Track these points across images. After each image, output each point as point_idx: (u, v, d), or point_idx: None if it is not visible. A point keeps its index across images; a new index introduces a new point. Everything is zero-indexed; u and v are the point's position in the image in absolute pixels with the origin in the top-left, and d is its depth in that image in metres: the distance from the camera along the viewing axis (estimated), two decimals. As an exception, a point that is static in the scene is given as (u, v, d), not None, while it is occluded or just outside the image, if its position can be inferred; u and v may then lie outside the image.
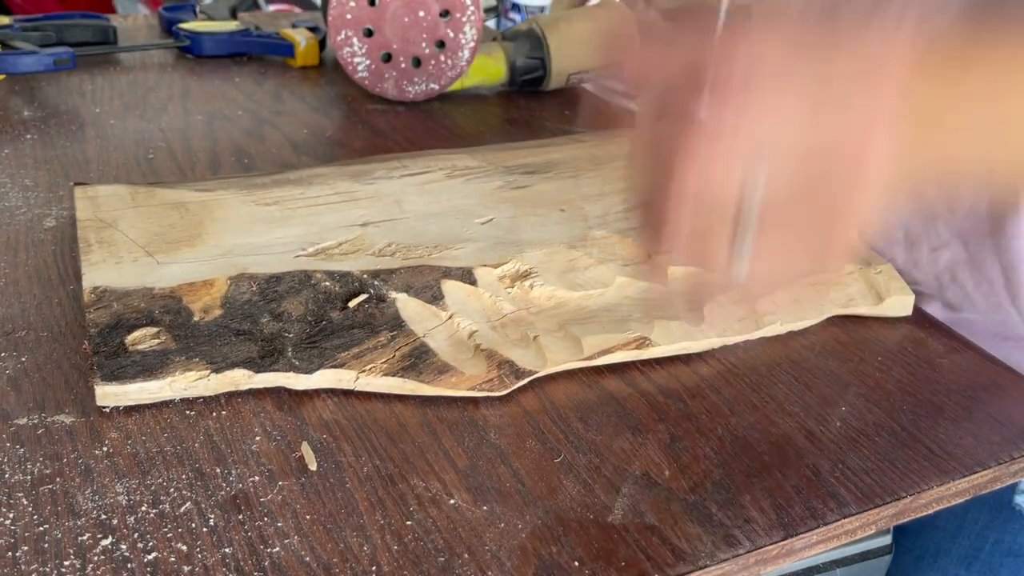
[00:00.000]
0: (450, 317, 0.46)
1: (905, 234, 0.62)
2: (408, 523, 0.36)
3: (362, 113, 0.79)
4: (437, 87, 0.81)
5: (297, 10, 2.01)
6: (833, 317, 0.53)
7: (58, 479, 0.36)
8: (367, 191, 0.57)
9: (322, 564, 0.34)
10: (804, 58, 0.35)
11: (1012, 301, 0.59)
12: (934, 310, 0.62)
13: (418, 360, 0.43)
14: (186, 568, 0.33)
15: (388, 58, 0.79)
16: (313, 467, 0.38)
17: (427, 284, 0.47)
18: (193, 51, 0.90)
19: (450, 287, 0.48)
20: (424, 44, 0.78)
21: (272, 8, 2.44)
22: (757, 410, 0.45)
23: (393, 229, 0.52)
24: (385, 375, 0.43)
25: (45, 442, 0.38)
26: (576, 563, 0.35)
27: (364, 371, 0.43)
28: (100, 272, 0.46)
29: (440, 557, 0.35)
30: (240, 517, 0.35)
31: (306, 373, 0.42)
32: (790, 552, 0.39)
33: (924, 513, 0.42)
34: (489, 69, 0.84)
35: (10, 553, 0.33)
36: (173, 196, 0.54)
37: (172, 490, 0.36)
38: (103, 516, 0.35)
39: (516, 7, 1.12)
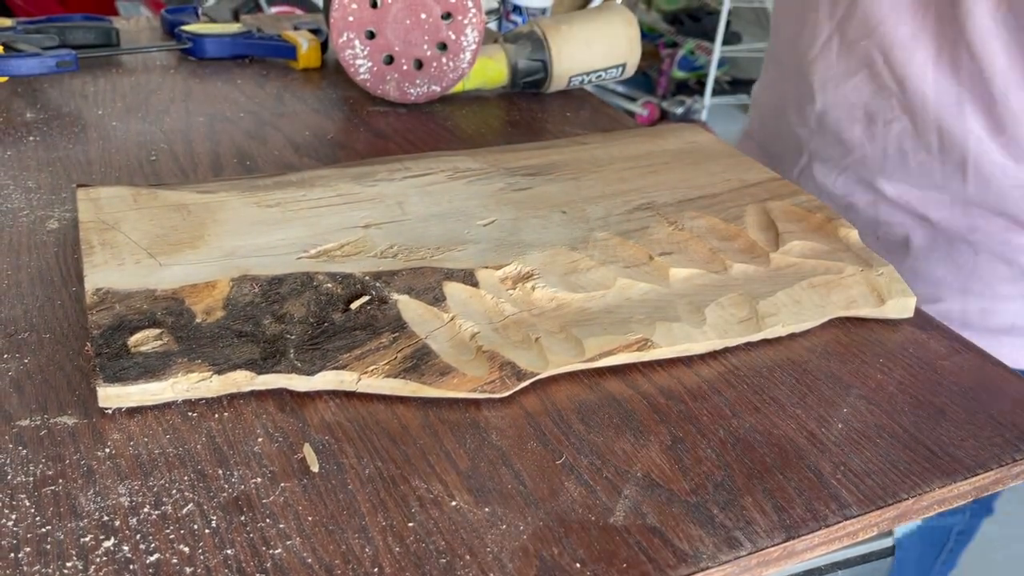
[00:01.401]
0: (452, 319, 0.46)
1: (865, 111, 0.77)
2: (410, 524, 0.36)
3: (364, 115, 0.79)
4: (439, 89, 0.81)
5: (299, 12, 2.01)
6: (834, 319, 0.53)
7: (60, 480, 0.37)
8: (369, 193, 0.57)
9: (324, 566, 0.34)
10: None
11: (941, 164, 0.74)
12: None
13: (420, 362, 0.43)
14: (188, 570, 0.33)
15: (390, 60, 0.79)
16: (315, 469, 0.38)
17: (429, 286, 0.47)
18: (195, 53, 0.90)
19: (452, 289, 0.48)
20: (426, 46, 0.78)
21: (274, 10, 2.45)
22: (758, 411, 0.45)
23: (395, 231, 0.52)
24: (387, 376, 0.43)
25: (47, 443, 0.38)
26: (578, 565, 0.35)
27: (366, 373, 0.43)
28: (102, 274, 0.46)
29: (442, 559, 0.35)
30: (242, 518, 0.35)
31: (308, 375, 0.42)
32: (791, 554, 0.39)
33: (926, 515, 0.42)
34: (491, 71, 0.84)
35: (12, 554, 0.33)
36: (175, 198, 0.54)
37: (174, 491, 0.36)
38: (105, 517, 0.35)
39: (517, 9, 1.12)
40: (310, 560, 0.34)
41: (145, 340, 0.42)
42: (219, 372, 0.41)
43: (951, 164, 0.73)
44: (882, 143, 0.77)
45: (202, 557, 0.34)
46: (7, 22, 0.84)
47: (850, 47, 0.77)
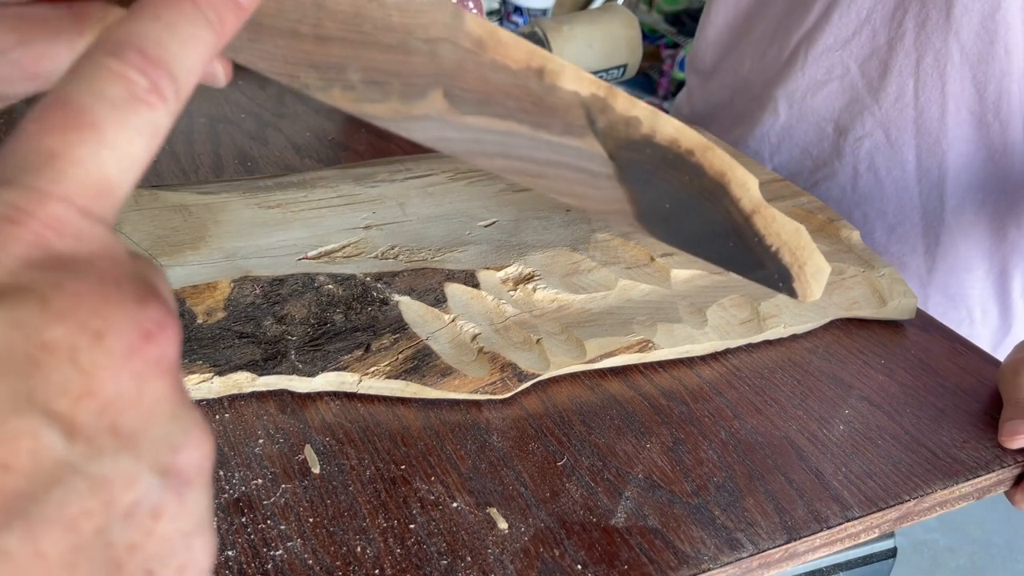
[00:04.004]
0: (453, 320, 0.46)
1: (835, 125, 0.71)
2: (411, 526, 0.36)
3: (365, 116, 0.79)
4: (440, 90, 0.81)
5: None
6: (836, 320, 0.53)
7: (61, 482, 0.36)
8: (370, 194, 0.57)
9: (325, 567, 0.34)
10: None
11: (918, 181, 0.68)
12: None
13: (421, 363, 0.43)
14: (189, 571, 0.33)
15: (391, 61, 0.78)
16: (316, 470, 0.38)
17: (430, 287, 0.47)
18: (196, 54, 0.90)
19: (453, 290, 0.48)
20: (427, 47, 0.78)
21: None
22: (760, 413, 0.45)
23: (396, 232, 0.52)
24: (388, 378, 0.43)
25: (48, 445, 0.38)
26: (579, 566, 0.35)
27: (367, 374, 0.43)
28: (103, 275, 0.45)
29: (443, 560, 0.35)
30: (243, 520, 0.35)
31: (309, 376, 0.42)
32: (793, 555, 0.39)
33: (927, 516, 0.42)
34: (492, 72, 0.84)
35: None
36: (176, 199, 0.54)
37: (175, 493, 0.36)
38: (106, 519, 0.35)
39: (519, 10, 1.12)
40: (311, 561, 0.34)
41: (146, 341, 0.42)
42: (220, 373, 0.41)
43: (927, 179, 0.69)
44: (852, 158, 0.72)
45: (203, 559, 0.34)
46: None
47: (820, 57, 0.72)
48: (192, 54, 0.19)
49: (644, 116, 0.29)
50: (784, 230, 0.32)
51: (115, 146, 0.17)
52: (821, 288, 0.34)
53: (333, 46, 0.24)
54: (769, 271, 0.33)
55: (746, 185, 0.31)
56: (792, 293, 0.33)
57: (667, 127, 0.29)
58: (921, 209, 0.70)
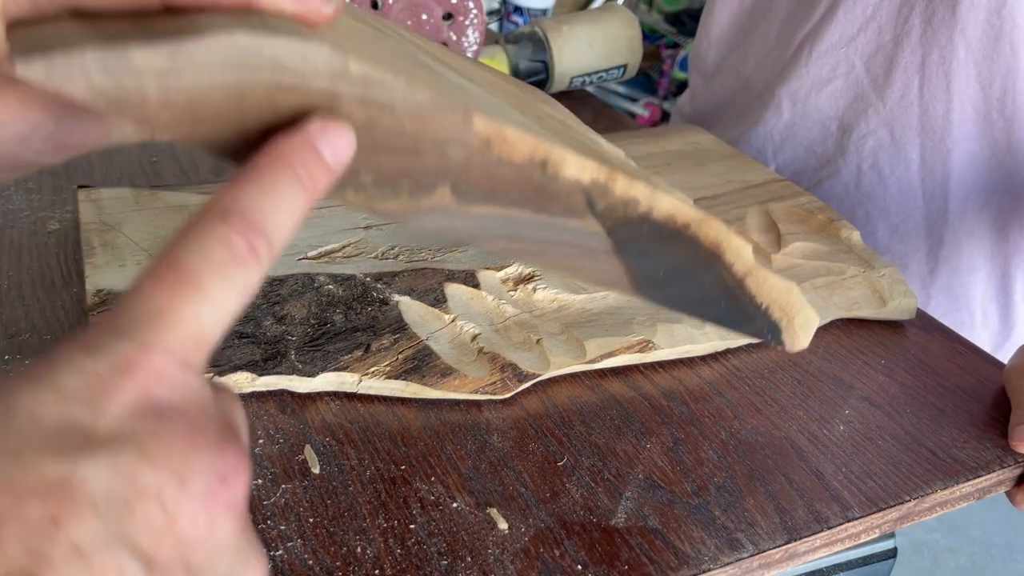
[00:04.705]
0: (453, 320, 0.46)
1: (839, 123, 0.70)
2: (411, 527, 0.36)
3: (365, 116, 0.79)
4: (440, 90, 0.81)
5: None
6: (836, 320, 0.53)
7: (61, 482, 0.36)
8: (370, 194, 0.57)
9: (325, 568, 0.34)
10: None
11: (922, 180, 0.68)
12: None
13: (421, 363, 0.43)
14: (189, 571, 0.33)
15: (391, 61, 0.79)
16: (316, 470, 0.38)
17: (430, 287, 0.47)
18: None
19: (453, 290, 0.48)
20: (427, 47, 0.78)
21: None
22: (760, 413, 0.45)
23: (396, 232, 0.52)
24: (388, 378, 0.43)
25: (48, 445, 0.38)
26: (579, 567, 0.35)
27: (367, 374, 0.43)
28: (103, 275, 0.46)
29: (443, 560, 0.35)
30: (243, 520, 0.35)
31: (309, 376, 0.42)
32: (793, 556, 0.39)
33: (928, 517, 0.42)
34: (492, 72, 0.84)
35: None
36: (176, 199, 0.54)
37: (175, 493, 0.36)
38: (106, 519, 0.35)
39: (519, 10, 1.12)
40: (311, 562, 0.34)
41: (146, 341, 0.42)
42: (220, 373, 0.41)
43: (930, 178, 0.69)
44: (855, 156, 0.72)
45: (203, 559, 0.34)
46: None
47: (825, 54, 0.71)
48: (288, 217, 0.22)
49: (642, 196, 0.30)
50: (775, 289, 0.34)
51: (214, 302, 0.20)
52: (809, 338, 0.36)
53: None
54: (759, 325, 0.35)
55: (739, 252, 0.32)
56: (780, 343, 0.35)
57: (664, 204, 0.30)
58: (924, 208, 0.70)
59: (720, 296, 0.33)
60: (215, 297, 0.20)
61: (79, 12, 0.23)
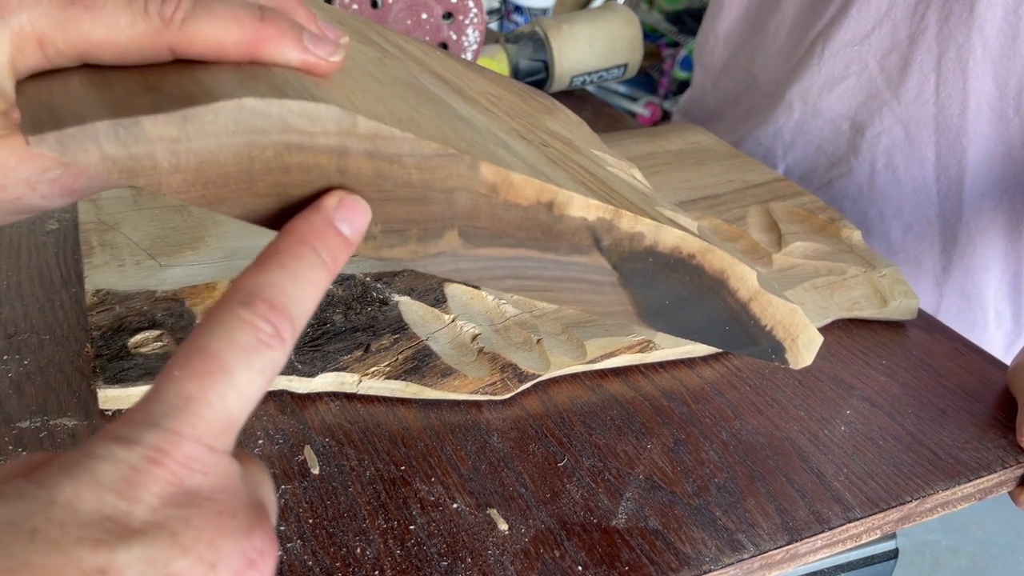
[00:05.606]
0: (453, 320, 0.46)
1: (852, 122, 0.70)
2: (411, 527, 0.36)
3: (365, 115, 0.79)
4: (440, 89, 0.81)
5: (300, 12, 2.01)
6: (837, 320, 0.52)
7: (60, 482, 0.36)
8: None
9: (324, 569, 0.34)
10: None
11: (937, 178, 0.68)
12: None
13: (421, 363, 0.43)
14: (188, 572, 0.33)
15: (391, 60, 0.78)
16: (316, 471, 0.38)
17: (430, 287, 0.47)
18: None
19: (453, 290, 0.47)
20: (427, 46, 0.78)
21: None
22: (761, 413, 0.45)
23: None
24: (388, 378, 0.42)
25: (48, 445, 0.38)
26: (580, 567, 0.35)
27: (367, 374, 0.42)
28: (102, 275, 0.45)
29: (443, 561, 0.35)
30: (242, 521, 0.35)
31: (309, 376, 0.42)
32: (794, 557, 0.38)
33: (929, 517, 0.42)
34: (492, 71, 0.84)
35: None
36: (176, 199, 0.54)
37: (174, 494, 0.36)
38: (105, 520, 0.35)
39: (519, 9, 1.12)
40: (310, 563, 0.34)
41: (145, 341, 0.42)
42: (219, 374, 0.41)
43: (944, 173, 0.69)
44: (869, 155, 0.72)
45: (202, 560, 0.33)
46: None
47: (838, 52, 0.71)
48: (311, 295, 0.22)
49: (648, 231, 0.30)
50: (779, 311, 0.35)
51: (240, 387, 0.21)
52: (812, 356, 0.36)
53: None
54: (763, 346, 0.35)
55: (744, 278, 0.33)
56: (784, 362, 0.36)
57: (669, 237, 0.31)
58: (939, 207, 0.69)
59: (725, 321, 0.34)
60: (241, 381, 0.21)
61: (88, 65, 0.23)
